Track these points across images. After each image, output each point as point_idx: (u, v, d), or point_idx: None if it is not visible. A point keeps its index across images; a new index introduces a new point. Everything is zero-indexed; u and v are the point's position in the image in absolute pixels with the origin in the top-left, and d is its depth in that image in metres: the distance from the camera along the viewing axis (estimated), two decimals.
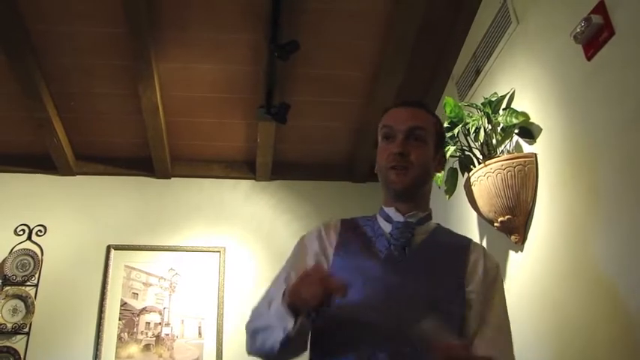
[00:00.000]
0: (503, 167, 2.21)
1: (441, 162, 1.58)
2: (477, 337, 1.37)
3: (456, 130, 2.44)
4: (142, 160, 4.01)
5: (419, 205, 1.51)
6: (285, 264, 1.55)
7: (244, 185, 4.16)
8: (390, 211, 1.51)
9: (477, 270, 1.44)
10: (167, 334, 3.70)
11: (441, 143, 1.58)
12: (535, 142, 2.24)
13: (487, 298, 1.42)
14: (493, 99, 2.42)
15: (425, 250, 1.46)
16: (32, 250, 3.77)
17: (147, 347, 3.65)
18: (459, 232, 1.58)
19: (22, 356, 3.51)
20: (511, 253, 2.42)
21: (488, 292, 1.43)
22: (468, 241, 1.54)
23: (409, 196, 1.49)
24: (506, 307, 1.46)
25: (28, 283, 3.68)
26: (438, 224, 1.57)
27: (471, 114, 2.49)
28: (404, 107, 1.56)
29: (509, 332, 1.44)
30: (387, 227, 1.50)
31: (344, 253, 1.48)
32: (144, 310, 3.74)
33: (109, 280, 3.76)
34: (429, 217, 1.53)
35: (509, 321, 1.45)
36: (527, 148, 2.30)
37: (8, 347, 3.52)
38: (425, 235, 1.49)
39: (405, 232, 1.46)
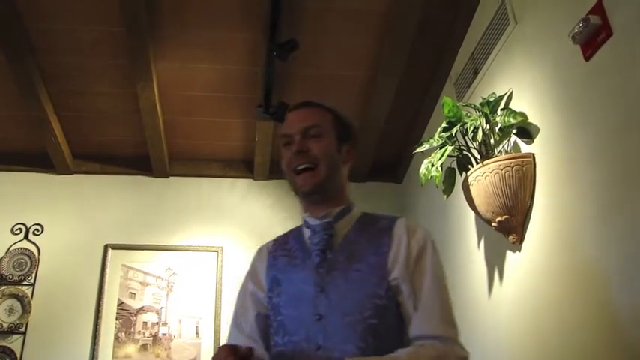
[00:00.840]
0: (501, 167, 2.21)
1: (350, 152, 1.56)
2: (412, 317, 1.35)
3: (454, 130, 2.44)
4: (139, 159, 4.01)
5: (332, 201, 1.49)
6: (238, 293, 1.60)
7: (242, 185, 4.16)
8: (307, 216, 1.51)
9: (400, 250, 1.40)
10: (164, 334, 3.70)
11: (344, 134, 1.55)
12: (533, 142, 2.24)
13: (415, 275, 1.38)
14: (491, 99, 2.42)
15: (346, 248, 1.44)
16: (29, 249, 3.76)
17: (144, 347, 3.64)
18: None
19: (18, 356, 3.50)
20: (509, 253, 2.42)
21: (416, 269, 1.38)
22: (392, 222, 1.48)
23: (320, 195, 1.47)
24: (439, 276, 1.41)
25: (25, 283, 3.68)
26: (364, 213, 1.54)
27: (469, 114, 2.49)
28: (295, 111, 1.57)
29: (445, 301, 1.38)
30: (308, 234, 1.51)
31: (275, 271, 1.50)
32: (141, 310, 3.74)
33: (107, 279, 3.76)
34: (347, 210, 1.51)
35: (444, 289, 1.40)
36: (524, 148, 2.30)
37: (4, 347, 3.51)
38: (346, 230, 1.47)
39: (322, 234, 1.46)
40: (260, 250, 1.62)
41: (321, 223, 1.47)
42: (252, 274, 1.57)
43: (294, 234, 1.57)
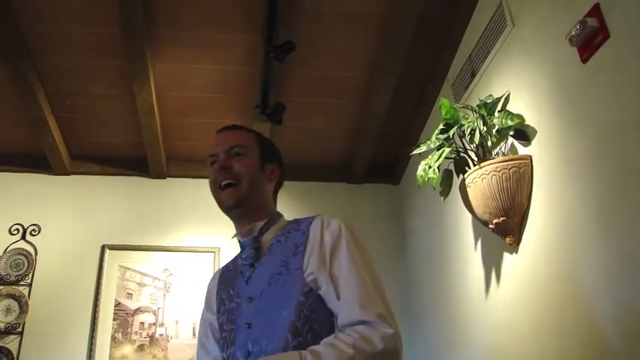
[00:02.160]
0: (498, 169, 2.21)
1: (274, 172, 1.65)
2: (336, 306, 1.36)
3: (451, 132, 2.44)
4: (137, 160, 4.01)
5: (255, 217, 1.56)
6: (201, 316, 1.69)
7: None
8: (237, 236, 1.59)
9: (315, 245, 1.44)
10: (161, 335, 3.69)
11: (267, 155, 1.64)
12: (530, 144, 2.25)
13: (332, 266, 1.40)
14: (488, 101, 2.42)
15: (271, 257, 1.50)
16: (26, 250, 3.76)
17: (141, 347, 3.64)
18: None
19: (15, 356, 3.49)
20: (506, 254, 2.43)
21: (332, 260, 1.41)
22: (310, 220, 1.53)
23: (242, 209, 1.54)
24: (357, 261, 1.40)
25: (22, 283, 3.67)
26: (290, 220, 1.61)
27: (466, 116, 2.49)
28: (220, 133, 1.64)
29: (364, 284, 1.36)
30: (240, 252, 1.61)
31: (222, 292, 1.59)
32: (138, 311, 3.73)
33: (104, 280, 3.75)
34: (271, 221, 1.58)
35: (364, 273, 1.39)
36: (522, 150, 2.30)
37: (1, 347, 3.50)
38: (272, 240, 1.54)
39: (248, 249, 1.54)
40: (214, 275, 1.72)
41: (248, 239, 1.55)
42: (207, 299, 1.67)
43: (236, 257, 1.67)
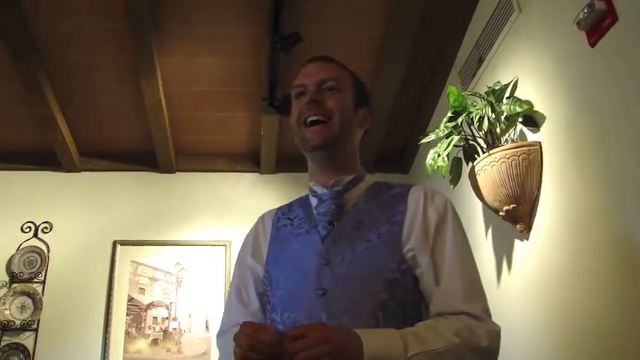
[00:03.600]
0: (508, 156, 2.20)
1: (366, 117, 1.46)
2: (433, 293, 1.24)
3: (459, 120, 2.42)
4: (146, 155, 4.02)
5: (343, 167, 1.40)
6: (236, 263, 1.50)
7: (248, 178, 4.17)
8: (314, 184, 1.42)
9: (417, 219, 1.29)
10: (174, 329, 3.71)
11: (361, 97, 1.46)
12: (539, 130, 2.23)
13: (436, 247, 1.27)
14: (496, 88, 2.41)
15: (355, 218, 1.33)
16: (39, 247, 3.79)
17: (155, 342, 3.66)
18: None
19: (30, 353, 3.53)
20: (516, 242, 2.42)
21: (437, 240, 1.28)
22: (407, 189, 1.37)
23: (329, 151, 1.37)
24: (463, 247, 1.30)
25: (36, 280, 3.70)
26: (377, 181, 1.44)
27: (474, 103, 2.48)
28: (312, 63, 1.47)
29: (470, 274, 1.27)
30: (315, 204, 1.41)
31: (277, 242, 1.40)
32: (151, 305, 3.76)
33: (116, 275, 3.78)
34: (358, 178, 1.41)
35: (468, 261, 1.29)
36: (531, 136, 2.29)
37: (17, 344, 3.54)
38: (357, 199, 1.37)
39: (329, 203, 1.35)
40: (263, 219, 1.52)
41: (329, 191, 1.37)
42: (252, 245, 1.47)
43: (301, 203, 1.48)
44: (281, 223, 1.44)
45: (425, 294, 1.26)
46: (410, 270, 1.25)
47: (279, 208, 1.52)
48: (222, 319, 1.47)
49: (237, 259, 1.49)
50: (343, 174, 1.39)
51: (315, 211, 1.39)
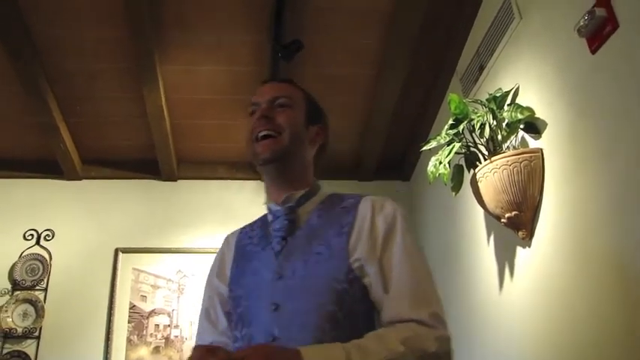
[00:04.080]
0: (509, 163, 2.20)
1: (319, 134, 1.50)
2: (383, 301, 1.25)
3: (461, 127, 2.43)
4: (147, 163, 4.03)
5: (294, 182, 1.42)
6: (205, 284, 1.54)
7: (250, 186, 4.16)
8: (268, 202, 1.45)
9: (364, 228, 1.31)
10: (176, 336, 3.71)
11: (313, 115, 1.50)
12: (541, 137, 2.23)
13: (384, 255, 1.28)
14: (498, 95, 2.41)
15: (307, 232, 1.35)
16: (41, 255, 3.79)
17: (156, 349, 3.66)
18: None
19: None
20: (519, 248, 2.41)
21: (385, 248, 1.28)
22: (358, 200, 1.39)
23: (279, 164, 1.40)
24: (412, 253, 1.29)
25: (38, 288, 3.71)
26: (331, 194, 1.46)
27: (475, 110, 2.48)
28: (267, 83, 1.53)
29: (419, 280, 1.26)
30: (270, 220, 1.44)
31: (239, 261, 1.44)
32: (153, 313, 3.75)
33: (118, 283, 3.78)
34: (311, 193, 1.43)
35: (418, 267, 1.28)
36: (532, 143, 2.29)
37: (19, 351, 3.54)
38: (310, 213, 1.39)
39: (282, 219, 1.38)
40: (227, 240, 1.56)
41: (282, 208, 1.40)
42: (218, 266, 1.51)
43: (260, 222, 1.51)
44: (243, 243, 1.49)
45: (376, 303, 1.28)
46: (357, 280, 1.27)
47: (243, 228, 1.56)
48: (195, 339, 1.50)
49: (206, 280, 1.54)
50: (296, 189, 1.42)
51: (270, 228, 1.42)
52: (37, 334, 3.60)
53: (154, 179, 4.12)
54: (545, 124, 2.20)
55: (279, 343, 1.20)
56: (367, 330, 1.21)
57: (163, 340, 3.69)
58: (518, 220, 2.26)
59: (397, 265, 1.26)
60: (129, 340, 3.65)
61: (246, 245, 1.47)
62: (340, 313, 1.23)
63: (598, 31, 1.82)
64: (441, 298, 1.26)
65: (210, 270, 1.55)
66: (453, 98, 2.45)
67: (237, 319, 1.35)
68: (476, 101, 2.53)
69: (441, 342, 1.18)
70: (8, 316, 3.58)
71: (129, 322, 3.70)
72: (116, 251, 3.87)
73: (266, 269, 1.34)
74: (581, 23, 1.85)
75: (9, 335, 3.56)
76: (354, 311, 1.25)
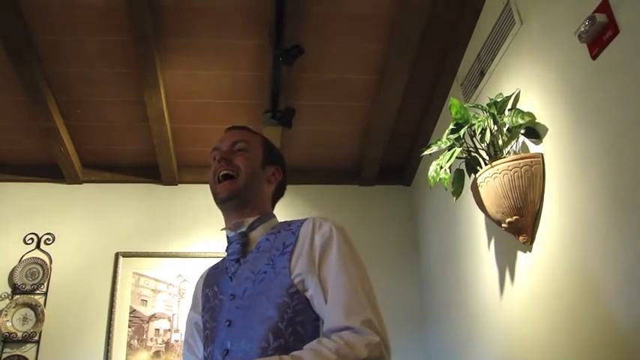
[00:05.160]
0: (510, 168, 2.20)
1: (275, 174, 1.64)
2: (323, 310, 1.33)
3: (461, 132, 2.43)
4: (148, 167, 4.03)
5: (248, 212, 1.55)
6: (187, 315, 1.69)
7: None
8: (226, 230, 1.58)
9: (304, 246, 1.41)
10: (177, 341, 3.70)
11: (270, 158, 1.64)
12: (541, 142, 2.24)
13: (322, 269, 1.36)
14: (498, 100, 2.41)
15: (257, 254, 1.47)
16: (41, 259, 3.79)
17: (157, 354, 3.65)
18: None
19: None
20: (519, 253, 2.41)
21: (322, 263, 1.37)
22: (301, 222, 1.49)
23: (235, 202, 1.54)
24: (347, 265, 1.37)
25: (38, 292, 3.70)
26: (282, 222, 1.57)
27: (476, 115, 2.49)
28: (229, 131, 1.67)
29: (352, 290, 1.32)
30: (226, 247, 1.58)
31: (207, 291, 1.57)
32: (153, 317, 3.75)
33: (118, 287, 3.77)
34: (263, 218, 1.56)
35: (353, 278, 1.35)
36: (533, 148, 2.29)
37: (19, 356, 3.53)
38: (259, 239, 1.51)
39: (235, 244, 1.52)
40: (201, 276, 1.70)
41: (235, 233, 1.53)
42: (194, 299, 1.66)
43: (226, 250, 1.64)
44: (211, 273, 1.63)
45: (319, 314, 1.36)
46: (299, 293, 1.36)
47: (215, 263, 1.68)
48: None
49: (187, 314, 1.69)
50: (245, 217, 1.55)
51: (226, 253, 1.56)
52: (36, 338, 3.59)
53: (155, 183, 4.12)
54: (545, 129, 2.21)
55: (231, 356, 1.35)
56: (313, 339, 1.30)
57: (164, 345, 3.68)
58: (518, 225, 2.26)
59: (333, 277, 1.35)
60: (129, 345, 3.65)
61: (212, 275, 1.61)
62: (282, 325, 1.33)
63: (598, 37, 1.83)
64: (376, 305, 1.33)
65: (191, 302, 1.69)
66: (454, 103, 2.46)
67: (205, 340, 1.50)
68: (477, 106, 2.53)
69: (371, 348, 1.23)
70: (8, 321, 3.58)
71: (129, 327, 3.70)
72: (116, 255, 3.87)
73: (224, 292, 1.48)
74: (582, 29, 1.85)
75: (8, 340, 3.55)
76: (297, 322, 1.34)
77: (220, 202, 1.56)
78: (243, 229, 1.53)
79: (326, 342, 1.24)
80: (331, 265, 1.36)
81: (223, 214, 1.59)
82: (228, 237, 1.57)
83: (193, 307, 1.64)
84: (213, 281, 1.57)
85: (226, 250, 1.56)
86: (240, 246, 1.51)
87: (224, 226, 1.58)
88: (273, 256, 1.43)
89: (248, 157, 1.58)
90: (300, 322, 1.34)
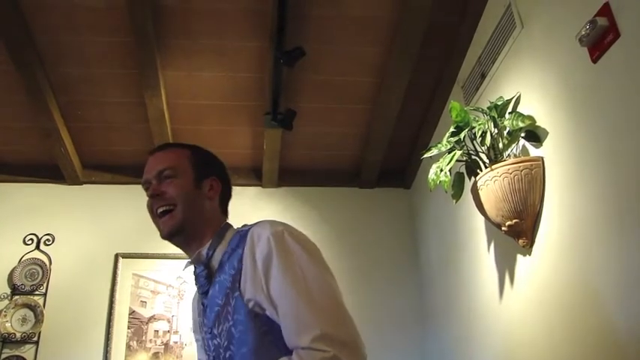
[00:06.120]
0: (510, 171, 2.20)
1: (213, 186, 1.57)
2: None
3: (462, 135, 2.43)
4: None
5: (200, 239, 1.50)
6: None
7: (251, 192, 4.17)
8: (189, 264, 1.53)
9: (248, 267, 1.35)
10: (176, 342, 3.70)
11: (202, 172, 1.56)
12: (542, 145, 2.24)
13: (267, 289, 1.31)
14: (499, 103, 2.41)
15: (216, 284, 1.42)
16: (41, 260, 3.79)
17: (156, 355, 3.65)
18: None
19: None
20: (519, 257, 2.41)
21: (268, 281, 1.31)
22: (245, 236, 1.41)
23: (182, 236, 1.49)
24: (288, 279, 1.29)
25: (37, 293, 3.70)
26: (234, 232, 1.51)
27: (477, 118, 2.49)
28: (151, 156, 1.59)
29: (301, 304, 1.26)
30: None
31: (200, 322, 1.52)
32: (152, 318, 3.75)
33: (117, 288, 3.77)
34: (216, 240, 1.49)
35: (301, 291, 1.27)
36: (533, 151, 2.29)
37: (18, 356, 3.53)
38: (218, 263, 1.46)
39: (200, 279, 1.47)
40: (193, 297, 1.66)
41: (197, 266, 1.48)
42: (192, 321, 1.64)
43: None
44: (198, 298, 1.58)
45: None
46: (258, 316, 1.32)
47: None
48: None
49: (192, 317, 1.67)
50: (199, 246, 1.49)
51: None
52: (35, 339, 3.59)
53: None
54: (546, 133, 2.21)
55: None
56: (290, 353, 1.25)
57: (163, 346, 3.68)
58: (518, 228, 2.26)
59: (279, 294, 1.29)
60: (128, 346, 3.64)
61: (199, 300, 1.55)
62: (255, 349, 1.29)
63: (599, 41, 1.83)
64: (332, 309, 1.26)
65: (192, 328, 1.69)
66: (454, 106, 2.46)
67: None
68: (477, 109, 2.53)
69: None
70: (7, 321, 3.57)
71: (128, 328, 3.69)
72: (116, 256, 3.87)
73: (206, 324, 1.45)
74: (583, 32, 1.85)
75: (7, 340, 3.55)
76: (268, 343, 1.30)
77: (165, 238, 1.51)
78: (203, 261, 1.47)
79: None
80: (275, 280, 1.30)
81: (180, 248, 1.54)
82: (193, 271, 1.52)
83: (195, 330, 1.62)
84: (199, 308, 1.53)
85: (195, 284, 1.51)
86: (204, 279, 1.46)
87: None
88: (229, 282, 1.38)
89: (178, 184, 1.50)
90: (270, 342, 1.30)
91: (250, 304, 1.32)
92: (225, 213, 1.61)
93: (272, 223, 1.42)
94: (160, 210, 1.49)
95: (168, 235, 1.49)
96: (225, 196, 1.62)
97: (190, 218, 1.49)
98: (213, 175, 1.59)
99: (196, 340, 1.62)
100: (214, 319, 1.39)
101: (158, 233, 1.56)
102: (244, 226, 1.51)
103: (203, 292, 1.46)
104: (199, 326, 1.53)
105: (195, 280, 1.50)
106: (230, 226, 1.56)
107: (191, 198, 1.50)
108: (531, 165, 2.20)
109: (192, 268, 1.53)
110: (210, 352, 1.42)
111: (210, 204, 1.55)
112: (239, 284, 1.34)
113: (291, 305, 1.26)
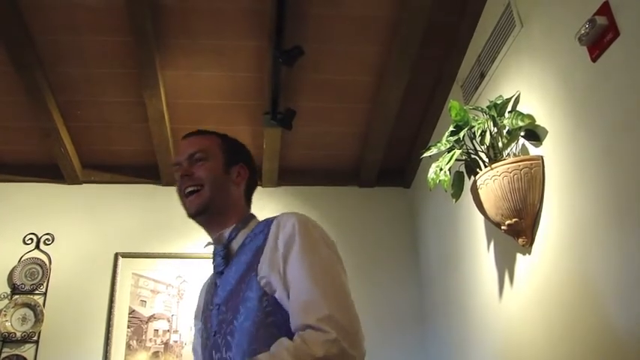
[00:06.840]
0: (510, 170, 2.20)
1: (241, 173, 1.63)
2: (290, 310, 1.32)
3: (461, 134, 2.43)
4: (148, 168, 4.03)
5: (223, 222, 1.56)
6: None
7: None
8: (209, 243, 1.60)
9: (269, 248, 1.40)
10: (176, 341, 3.70)
11: (231, 158, 1.62)
12: (541, 144, 2.24)
13: (284, 270, 1.35)
14: (498, 102, 2.41)
15: (236, 262, 1.49)
16: (40, 259, 3.79)
17: (156, 354, 3.65)
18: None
19: None
20: (519, 255, 2.41)
21: (287, 262, 1.36)
22: (271, 220, 1.48)
23: (206, 215, 1.56)
24: (307, 262, 1.34)
25: (37, 292, 3.70)
26: (260, 221, 1.57)
27: (476, 117, 2.49)
28: (184, 140, 1.65)
29: (313, 286, 1.30)
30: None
31: (205, 305, 1.59)
32: (152, 318, 3.75)
33: (117, 287, 3.77)
34: (241, 225, 1.56)
35: (316, 271, 1.32)
36: (533, 150, 2.29)
37: (18, 356, 3.53)
38: (238, 246, 1.52)
39: (218, 258, 1.54)
40: (204, 282, 1.72)
41: (217, 246, 1.55)
42: (197, 307, 1.69)
43: None
44: (210, 283, 1.64)
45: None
46: (266, 295, 1.36)
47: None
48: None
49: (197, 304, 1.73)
50: (226, 226, 1.56)
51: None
52: (35, 338, 3.59)
53: (155, 184, 4.11)
54: (545, 132, 2.21)
55: None
56: (290, 338, 1.27)
57: (162, 346, 3.68)
58: (518, 227, 2.26)
59: (295, 276, 1.33)
60: (128, 345, 3.65)
61: (211, 283, 1.63)
62: (253, 328, 1.33)
63: (599, 39, 1.83)
64: (341, 297, 1.30)
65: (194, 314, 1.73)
66: (453, 105, 2.46)
67: (202, 349, 1.52)
68: (477, 108, 2.53)
69: (328, 346, 1.20)
70: (7, 321, 3.57)
71: (128, 327, 3.69)
72: (116, 256, 3.87)
73: (210, 302, 1.52)
74: (582, 31, 1.85)
75: (7, 340, 3.55)
76: (269, 324, 1.33)
77: (191, 217, 1.58)
78: (224, 242, 1.54)
79: (286, 343, 1.24)
80: (294, 263, 1.35)
81: (203, 228, 1.61)
82: (213, 250, 1.59)
83: (196, 316, 1.66)
84: (209, 291, 1.59)
85: (212, 263, 1.57)
86: (221, 259, 1.53)
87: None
88: (246, 262, 1.44)
89: (208, 167, 1.57)
90: (272, 323, 1.33)
91: (262, 282, 1.36)
92: (249, 203, 1.66)
93: (298, 213, 1.48)
94: (188, 190, 1.56)
95: (195, 213, 1.55)
96: (251, 185, 1.67)
97: (216, 199, 1.55)
98: (242, 163, 1.65)
99: (195, 326, 1.66)
100: (226, 296, 1.44)
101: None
102: (268, 218, 1.55)
103: (218, 271, 1.52)
104: (204, 308, 1.57)
105: (213, 259, 1.56)
106: (255, 216, 1.62)
107: (219, 181, 1.57)
108: (531, 164, 2.20)
109: (211, 248, 1.60)
110: (212, 327, 1.46)
111: (236, 190, 1.61)
112: (257, 263, 1.39)
113: (305, 286, 1.30)
